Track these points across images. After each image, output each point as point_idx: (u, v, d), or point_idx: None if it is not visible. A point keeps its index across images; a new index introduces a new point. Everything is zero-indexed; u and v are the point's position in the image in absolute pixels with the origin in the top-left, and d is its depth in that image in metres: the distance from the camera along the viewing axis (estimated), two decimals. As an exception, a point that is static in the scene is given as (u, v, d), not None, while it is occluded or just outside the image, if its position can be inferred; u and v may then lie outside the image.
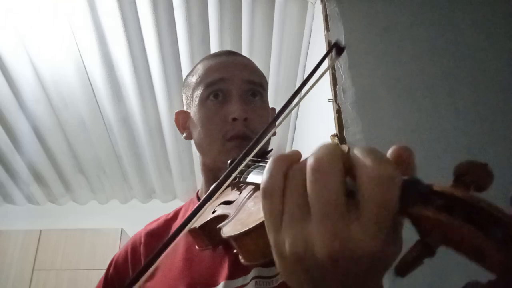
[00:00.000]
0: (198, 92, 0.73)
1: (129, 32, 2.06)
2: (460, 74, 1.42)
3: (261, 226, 0.36)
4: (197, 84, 0.74)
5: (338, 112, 1.37)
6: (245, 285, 0.57)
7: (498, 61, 1.44)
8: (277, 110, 0.82)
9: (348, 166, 0.27)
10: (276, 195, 0.29)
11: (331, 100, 1.42)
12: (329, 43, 1.53)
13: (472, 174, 0.24)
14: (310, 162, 0.27)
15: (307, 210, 0.27)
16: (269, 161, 0.30)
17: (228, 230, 0.43)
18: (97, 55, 2.17)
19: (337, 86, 1.42)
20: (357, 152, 0.27)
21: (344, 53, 1.46)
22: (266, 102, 0.77)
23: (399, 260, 0.25)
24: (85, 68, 2.28)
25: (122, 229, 3.28)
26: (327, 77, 1.47)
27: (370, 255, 0.25)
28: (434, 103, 1.38)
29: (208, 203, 0.38)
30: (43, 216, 3.51)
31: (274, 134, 0.77)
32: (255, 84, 0.73)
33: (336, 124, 1.35)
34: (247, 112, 0.68)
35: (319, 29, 1.77)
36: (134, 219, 3.33)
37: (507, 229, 0.20)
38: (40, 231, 3.25)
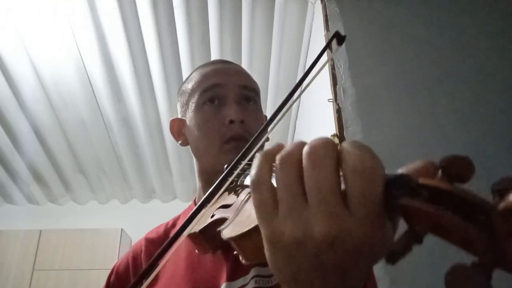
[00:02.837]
0: (194, 98, 0.75)
1: (129, 32, 2.06)
2: (460, 74, 1.42)
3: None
4: (193, 90, 0.76)
5: (338, 112, 1.37)
6: (246, 284, 0.58)
7: (498, 61, 1.44)
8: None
9: (339, 157, 0.28)
10: (265, 186, 0.30)
11: (331, 100, 1.42)
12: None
13: (456, 167, 0.25)
14: (306, 150, 0.28)
15: (304, 198, 0.28)
16: (256, 157, 0.31)
17: (228, 232, 0.44)
18: (97, 55, 2.17)
19: (337, 86, 1.42)
20: (345, 145, 0.28)
21: (344, 53, 1.46)
22: (259, 107, 0.79)
23: (391, 249, 0.26)
24: (85, 68, 2.28)
25: (122, 229, 3.29)
26: (327, 77, 1.47)
27: (362, 240, 0.27)
28: (434, 103, 1.38)
29: (206, 207, 0.38)
30: (43, 216, 3.51)
31: (267, 140, 0.79)
32: (249, 90, 0.76)
33: (336, 124, 1.35)
34: (243, 114, 0.70)
35: (319, 29, 1.77)
36: (134, 219, 3.34)
37: (488, 215, 0.22)
38: (40, 231, 3.25)
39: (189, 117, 0.76)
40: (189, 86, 0.78)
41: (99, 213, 3.56)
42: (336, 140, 1.31)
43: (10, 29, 2.01)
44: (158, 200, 3.65)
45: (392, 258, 0.26)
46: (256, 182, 0.30)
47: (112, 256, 3.08)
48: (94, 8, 1.95)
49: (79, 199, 3.58)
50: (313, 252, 0.28)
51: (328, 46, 0.57)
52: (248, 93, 0.75)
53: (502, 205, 0.21)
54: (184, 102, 0.79)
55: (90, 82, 2.37)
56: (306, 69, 2.16)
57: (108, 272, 0.77)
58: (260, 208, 0.30)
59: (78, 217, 3.52)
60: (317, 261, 0.28)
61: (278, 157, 0.30)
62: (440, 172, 0.26)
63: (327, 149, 0.28)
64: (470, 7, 1.53)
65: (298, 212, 0.28)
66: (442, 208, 0.24)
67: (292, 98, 0.50)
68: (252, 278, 0.58)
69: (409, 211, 0.26)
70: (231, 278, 0.59)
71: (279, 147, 0.31)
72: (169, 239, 0.35)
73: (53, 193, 3.44)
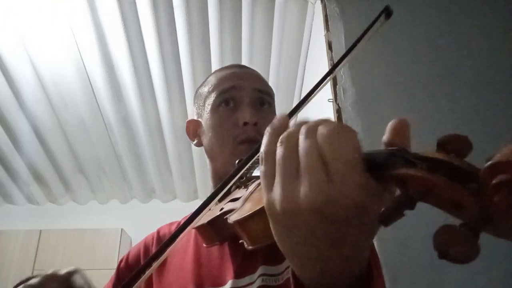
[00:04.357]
0: (210, 100, 0.77)
1: (129, 32, 2.06)
2: (460, 74, 1.42)
3: (263, 209, 0.38)
4: (209, 92, 0.78)
5: (338, 112, 1.38)
6: (252, 283, 0.58)
7: (498, 61, 1.44)
8: (278, 111, 0.84)
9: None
10: (270, 159, 0.33)
11: (331, 100, 1.42)
12: (329, 43, 1.53)
13: (453, 143, 0.27)
14: (303, 129, 0.32)
15: (296, 173, 0.30)
16: (265, 134, 0.34)
17: (234, 216, 0.46)
18: (97, 55, 2.17)
19: (337, 86, 1.42)
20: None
21: (344, 52, 1.46)
22: (274, 110, 0.81)
23: (383, 210, 0.27)
24: (85, 68, 2.28)
25: (122, 229, 3.29)
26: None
27: (349, 208, 0.28)
28: (434, 103, 1.38)
29: (216, 199, 0.39)
30: (43, 216, 3.51)
31: None
32: (264, 93, 0.78)
33: (336, 124, 1.35)
34: (257, 117, 0.72)
35: (319, 29, 1.77)
36: (134, 219, 3.34)
37: (476, 179, 0.23)
38: (40, 231, 3.25)
39: (204, 118, 0.78)
40: (205, 89, 0.80)
41: (99, 213, 3.56)
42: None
43: (10, 29, 2.01)
44: (158, 200, 3.65)
45: (385, 220, 0.27)
46: (263, 155, 0.33)
47: (112, 256, 3.08)
48: (94, 8, 1.95)
49: (79, 199, 3.58)
50: (303, 222, 0.29)
51: (377, 18, 0.57)
52: (263, 96, 0.77)
53: (488, 163, 0.23)
54: (201, 104, 0.81)
55: (90, 82, 2.37)
56: (305, 69, 2.15)
57: (108, 272, 0.78)
58: (263, 178, 0.32)
59: (78, 217, 3.52)
60: (308, 232, 0.29)
61: (281, 136, 0.33)
62: (437, 146, 0.27)
63: (312, 126, 0.31)
64: (470, 7, 1.53)
65: (288, 183, 0.30)
66: (437, 175, 0.25)
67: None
68: (259, 277, 0.58)
69: (405, 179, 0.27)
70: (238, 275, 0.60)
71: (284, 122, 0.35)
72: (180, 225, 0.36)
73: (53, 193, 3.44)
